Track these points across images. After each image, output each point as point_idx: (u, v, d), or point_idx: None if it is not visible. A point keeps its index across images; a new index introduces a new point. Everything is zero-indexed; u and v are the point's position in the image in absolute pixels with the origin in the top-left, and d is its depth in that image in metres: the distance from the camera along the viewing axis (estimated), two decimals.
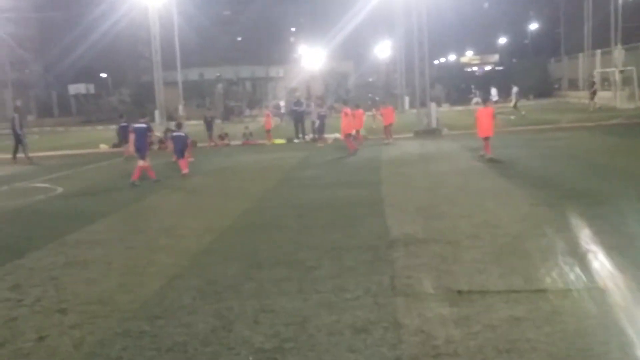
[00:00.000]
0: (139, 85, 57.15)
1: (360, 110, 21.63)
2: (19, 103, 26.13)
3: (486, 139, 15.00)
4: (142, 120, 15.36)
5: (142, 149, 14.39)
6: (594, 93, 33.08)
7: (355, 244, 7.42)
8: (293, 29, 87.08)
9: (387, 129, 21.52)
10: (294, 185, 13.07)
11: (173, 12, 32.09)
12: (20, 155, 21.47)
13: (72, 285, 6.40)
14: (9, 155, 21.71)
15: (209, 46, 76.57)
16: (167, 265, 6.95)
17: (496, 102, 33.31)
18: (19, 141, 21.44)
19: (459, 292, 5.43)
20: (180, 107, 37.02)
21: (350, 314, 5.05)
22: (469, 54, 77.89)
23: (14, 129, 21.42)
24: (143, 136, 14.61)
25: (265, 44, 77.46)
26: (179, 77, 32.94)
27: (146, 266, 7.00)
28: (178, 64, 31.81)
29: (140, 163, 14.28)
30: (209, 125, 25.08)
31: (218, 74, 63.71)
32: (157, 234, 8.75)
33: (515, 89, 33.97)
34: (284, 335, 4.70)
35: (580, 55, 46.83)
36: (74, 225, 9.54)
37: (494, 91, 41.29)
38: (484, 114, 15.21)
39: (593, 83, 35.08)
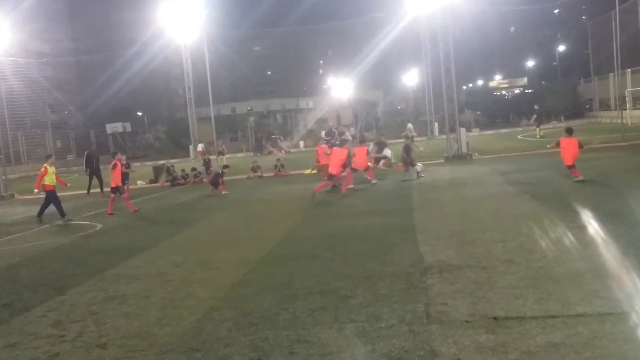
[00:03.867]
0: (173, 122, 58.42)
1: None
2: (93, 146, 27.89)
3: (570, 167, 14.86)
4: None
5: None
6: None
7: (389, 272, 7.42)
8: (321, 61, 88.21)
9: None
10: (326, 215, 13.13)
11: (204, 49, 32.83)
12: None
13: (111, 320, 6.54)
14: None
15: (239, 81, 78.06)
16: (204, 298, 7.05)
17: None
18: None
19: (495, 318, 5.39)
20: (201, 145, 37.79)
21: (386, 342, 5.05)
22: (498, 78, 77.67)
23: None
24: None
25: (295, 76, 78.63)
26: (212, 112, 33.60)
27: (183, 299, 7.11)
28: (210, 100, 32.46)
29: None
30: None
31: (249, 108, 64.71)
32: (194, 267, 8.89)
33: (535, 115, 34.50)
34: None
35: (611, 75, 46.28)
36: (113, 261, 9.75)
37: (410, 126, 40.62)
38: (569, 143, 15.04)
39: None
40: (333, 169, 16.47)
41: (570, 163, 14.85)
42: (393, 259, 8.11)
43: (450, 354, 4.69)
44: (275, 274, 7.96)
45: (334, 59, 78.57)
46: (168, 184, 25.05)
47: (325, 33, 78.90)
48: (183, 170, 26.12)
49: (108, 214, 16.22)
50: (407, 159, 18.98)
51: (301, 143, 52.29)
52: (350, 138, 20.71)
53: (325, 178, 17.08)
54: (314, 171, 23.32)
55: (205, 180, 24.72)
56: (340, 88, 56.37)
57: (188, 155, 44.39)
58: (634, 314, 5.14)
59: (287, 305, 6.42)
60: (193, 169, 25.90)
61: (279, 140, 44.13)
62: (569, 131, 15.40)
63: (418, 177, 18.24)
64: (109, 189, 17.23)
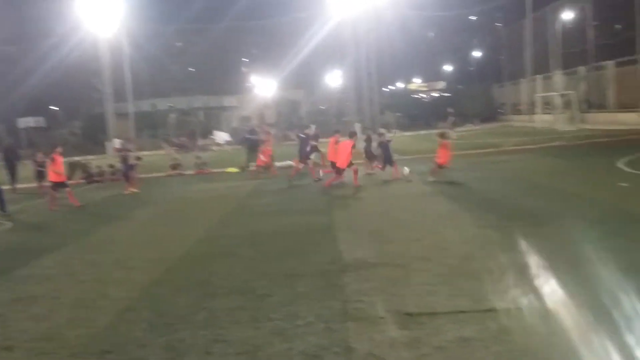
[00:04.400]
0: (90, 118, 56.28)
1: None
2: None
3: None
4: None
5: None
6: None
7: (308, 271, 7.48)
8: (245, 59, 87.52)
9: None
10: (248, 213, 13.08)
11: (123, 43, 31.91)
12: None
13: (18, 322, 6.25)
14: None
15: (161, 77, 76.16)
16: (118, 298, 6.85)
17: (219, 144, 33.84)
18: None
19: (409, 314, 5.55)
20: (117, 141, 36.85)
21: (302, 340, 5.09)
22: (417, 81, 79.77)
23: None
24: None
25: (218, 74, 77.52)
26: (131, 108, 32.63)
27: (96, 300, 6.89)
28: (129, 95, 31.51)
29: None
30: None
31: (170, 105, 63.29)
32: (109, 267, 8.62)
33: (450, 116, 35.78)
34: None
35: (522, 80, 48.59)
36: (22, 261, 9.31)
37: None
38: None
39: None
40: (341, 163, 16.46)
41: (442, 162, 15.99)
42: (312, 258, 8.18)
43: (365, 350, 4.79)
44: (193, 273, 7.85)
45: (258, 58, 78.09)
46: (83, 181, 24.14)
47: (250, 31, 78.36)
48: (99, 167, 25.27)
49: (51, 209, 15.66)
50: (386, 158, 17.87)
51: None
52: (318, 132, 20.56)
53: (334, 172, 17.00)
54: (236, 169, 23.18)
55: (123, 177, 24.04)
56: (264, 87, 56.27)
57: (104, 151, 42.98)
58: (540, 309, 5.41)
59: (205, 304, 6.35)
60: (110, 166, 25.11)
61: (175, 139, 42.83)
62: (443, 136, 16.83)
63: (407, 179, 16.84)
64: (48, 184, 16.54)
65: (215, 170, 24.69)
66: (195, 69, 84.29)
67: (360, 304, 5.98)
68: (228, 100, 63.48)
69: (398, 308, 5.74)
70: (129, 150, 21.44)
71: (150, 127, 56.36)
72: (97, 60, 38.72)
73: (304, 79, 65.53)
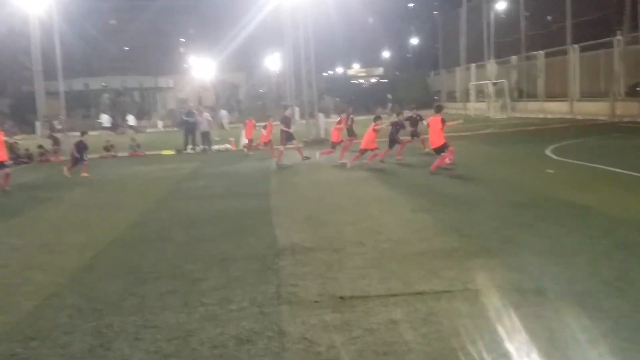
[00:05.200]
0: (19, 96, 53.82)
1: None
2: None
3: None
4: None
5: None
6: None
7: (243, 254, 7.42)
8: (182, 40, 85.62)
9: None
10: (183, 197, 12.86)
11: (55, 19, 30.50)
12: None
13: None
14: None
15: (94, 56, 73.61)
16: (44, 284, 6.60)
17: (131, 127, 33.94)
18: None
19: (342, 298, 5.59)
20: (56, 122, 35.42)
21: (235, 325, 5.05)
22: (356, 66, 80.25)
23: None
24: None
25: (154, 54, 75.60)
26: (61, 87, 31.32)
27: (20, 285, 6.62)
28: (60, 74, 30.24)
29: None
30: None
31: (104, 84, 61.30)
32: (35, 251, 8.30)
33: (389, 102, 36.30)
34: (166, 350, 4.62)
35: (457, 68, 49.66)
36: None
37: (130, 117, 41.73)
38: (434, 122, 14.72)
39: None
40: (367, 144, 15.89)
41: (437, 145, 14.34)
42: (248, 242, 8.12)
43: (298, 333, 4.79)
44: (124, 258, 7.65)
45: (196, 38, 76.63)
46: (11, 162, 23.07)
47: (187, 10, 76.76)
48: (27, 150, 24.23)
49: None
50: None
51: (160, 123, 50.70)
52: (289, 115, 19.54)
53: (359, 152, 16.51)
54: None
55: (53, 159, 23.19)
56: (202, 68, 55.28)
57: (34, 131, 41.22)
58: (469, 292, 5.55)
59: (135, 289, 6.20)
60: (39, 147, 24.17)
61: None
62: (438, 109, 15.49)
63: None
64: None
65: (150, 152, 24.12)
66: (130, 48, 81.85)
67: (295, 287, 5.98)
68: (164, 81, 61.98)
69: (332, 292, 5.77)
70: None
71: (82, 107, 54.52)
72: (27, 37, 36.84)
73: (244, 61, 64.83)
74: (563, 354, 4.15)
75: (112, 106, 54.36)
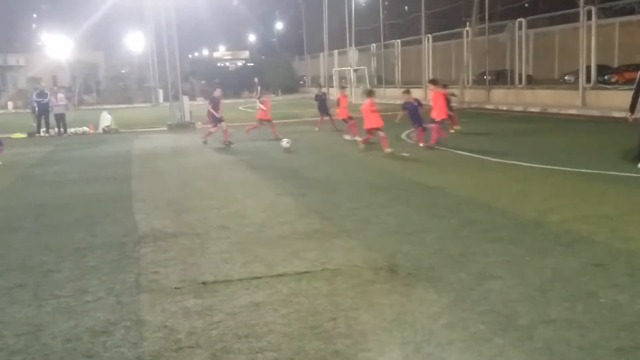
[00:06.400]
0: None
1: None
2: None
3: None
4: None
5: None
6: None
7: (100, 243, 7.12)
8: (34, 15, 79.41)
9: None
10: (34, 183, 12.05)
11: None
12: None
13: None
14: None
15: None
16: None
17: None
18: None
19: (204, 283, 5.56)
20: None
21: (91, 316, 4.85)
22: (222, 49, 79.20)
23: None
24: None
25: (2, 29, 69.49)
26: None
27: None
28: None
29: None
30: None
31: None
32: None
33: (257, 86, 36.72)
34: (14, 347, 4.33)
35: (321, 54, 50.67)
36: None
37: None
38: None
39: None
40: (378, 123, 14.61)
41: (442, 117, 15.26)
42: (105, 229, 7.80)
43: (158, 321, 4.71)
44: None
45: (49, 15, 71.37)
46: None
47: None
48: None
49: None
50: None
51: (10, 104, 47.00)
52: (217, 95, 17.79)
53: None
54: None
55: None
56: (56, 46, 51.73)
57: None
58: (327, 272, 5.75)
59: None
60: None
61: None
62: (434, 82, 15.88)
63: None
64: None
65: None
66: None
67: (155, 275, 5.86)
68: (14, 59, 57.20)
69: (194, 277, 5.73)
70: None
71: None
72: None
73: (103, 40, 61.49)
74: (411, 326, 4.43)
75: None
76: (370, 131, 14.60)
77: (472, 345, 4.08)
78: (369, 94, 15.73)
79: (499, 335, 4.22)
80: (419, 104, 15.63)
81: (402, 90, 17.70)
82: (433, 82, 17.07)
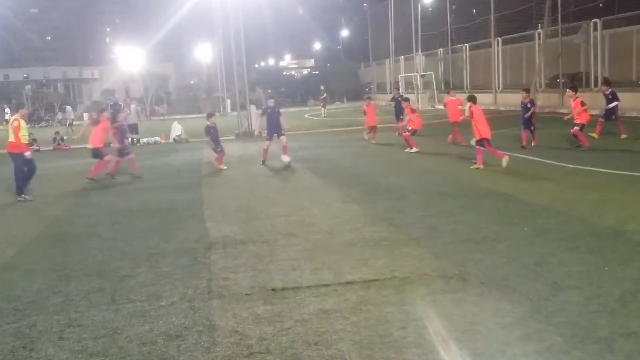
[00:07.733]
0: None
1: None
2: None
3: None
4: None
5: None
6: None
7: (173, 249, 7.31)
8: (108, 29, 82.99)
9: None
10: (111, 192, 12.51)
11: None
12: None
13: None
14: None
15: (15, 46, 70.35)
16: None
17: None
18: None
19: (273, 290, 5.60)
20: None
21: (165, 321, 4.98)
22: (287, 58, 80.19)
23: None
24: None
25: (79, 44, 72.97)
26: None
27: None
28: None
29: None
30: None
31: (25, 75, 58.72)
32: None
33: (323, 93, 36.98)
34: (92, 349, 4.50)
35: (387, 61, 50.41)
36: None
37: (69, 108, 41.28)
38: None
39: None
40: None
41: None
42: (178, 236, 8.01)
43: (229, 327, 4.77)
44: (47, 255, 7.39)
45: (122, 28, 74.40)
46: None
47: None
48: None
49: None
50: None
51: (85, 115, 49.07)
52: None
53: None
54: None
55: None
56: (129, 59, 53.72)
57: None
58: (396, 280, 5.68)
59: (59, 288, 6.00)
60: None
61: None
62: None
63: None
64: None
65: (75, 146, 23.28)
66: (53, 37, 78.64)
67: (226, 281, 5.95)
68: (89, 72, 59.97)
69: (263, 284, 5.78)
70: None
71: (3, 98, 52.10)
72: None
73: (173, 52, 63.54)
74: (484, 337, 4.31)
75: (35, 98, 52.12)
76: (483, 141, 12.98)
77: (549, 358, 3.93)
78: (471, 99, 13.51)
79: (577, 347, 4.04)
80: (533, 104, 16.31)
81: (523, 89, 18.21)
82: (573, 88, 16.39)
